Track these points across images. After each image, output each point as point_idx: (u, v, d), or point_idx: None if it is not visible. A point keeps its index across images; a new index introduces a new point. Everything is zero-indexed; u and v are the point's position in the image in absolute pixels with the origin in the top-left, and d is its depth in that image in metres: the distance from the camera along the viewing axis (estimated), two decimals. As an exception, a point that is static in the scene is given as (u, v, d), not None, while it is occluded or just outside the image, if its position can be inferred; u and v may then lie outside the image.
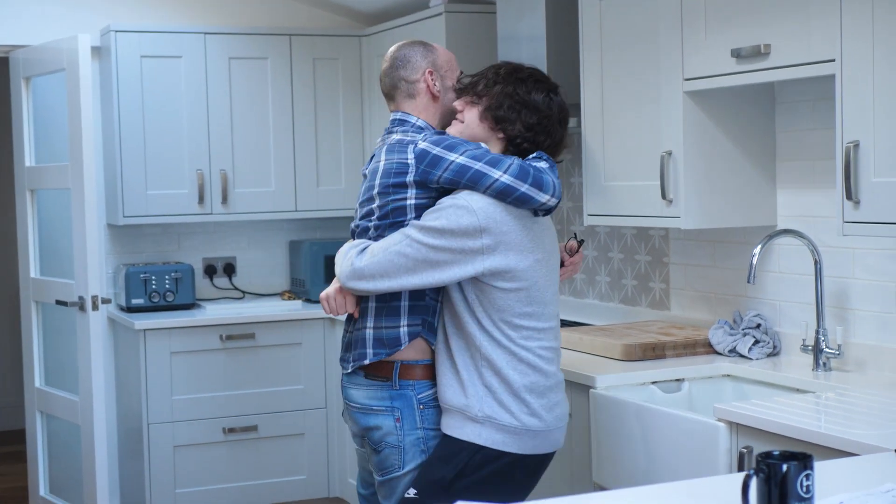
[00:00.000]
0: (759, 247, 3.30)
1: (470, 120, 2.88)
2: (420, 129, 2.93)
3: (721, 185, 3.54)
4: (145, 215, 5.20)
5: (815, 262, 3.36)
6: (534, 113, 2.85)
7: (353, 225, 2.99)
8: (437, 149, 2.79)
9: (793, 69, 3.07)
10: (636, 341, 3.61)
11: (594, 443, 3.34)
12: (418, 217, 2.81)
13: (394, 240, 2.79)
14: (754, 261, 3.28)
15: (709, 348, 3.65)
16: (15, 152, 5.30)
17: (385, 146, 2.92)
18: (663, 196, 3.54)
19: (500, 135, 2.86)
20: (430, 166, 2.79)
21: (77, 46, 4.69)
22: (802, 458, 1.83)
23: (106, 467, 4.78)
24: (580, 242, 3.12)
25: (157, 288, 5.21)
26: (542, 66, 4.20)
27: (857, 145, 2.84)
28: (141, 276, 5.20)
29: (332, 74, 5.50)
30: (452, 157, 2.77)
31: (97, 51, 5.28)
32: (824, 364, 3.32)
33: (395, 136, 2.92)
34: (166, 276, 5.24)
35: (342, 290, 2.89)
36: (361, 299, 2.93)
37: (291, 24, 5.65)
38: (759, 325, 3.59)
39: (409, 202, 2.83)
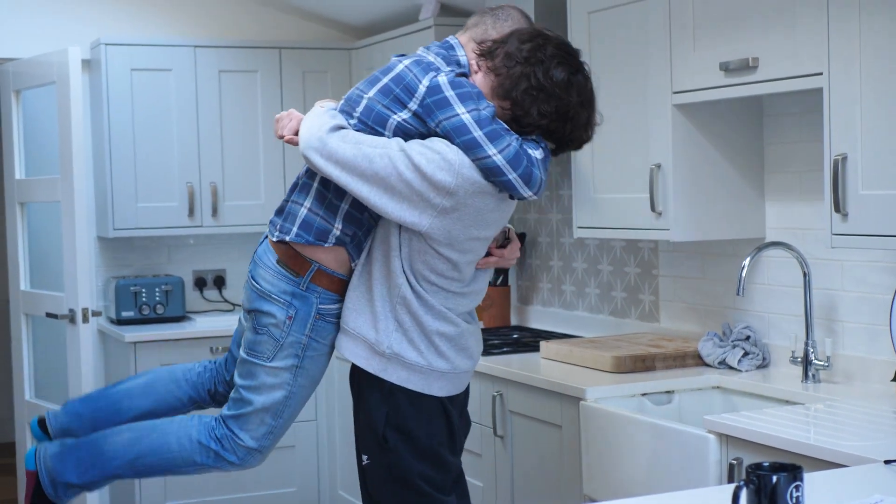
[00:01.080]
0: (748, 259, 3.32)
1: (480, 86, 2.75)
2: (458, 64, 2.82)
3: (710, 197, 3.56)
4: (135, 228, 5.20)
5: (804, 275, 3.38)
6: (552, 99, 2.69)
7: (349, 93, 2.88)
8: (451, 92, 2.68)
9: (781, 82, 3.09)
10: (626, 353, 3.62)
11: (584, 454, 3.35)
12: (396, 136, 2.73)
13: (371, 142, 2.70)
14: (743, 273, 3.29)
15: (698, 360, 3.66)
16: (5, 165, 5.30)
17: (416, 57, 2.81)
18: (652, 208, 3.55)
19: (509, 111, 2.72)
20: (436, 106, 2.69)
21: (67, 59, 4.70)
22: (792, 470, 1.84)
23: (96, 480, 4.76)
24: (507, 236, 2.97)
25: (148, 300, 5.21)
26: (532, 79, 4.22)
27: (844, 158, 2.86)
28: (131, 289, 5.20)
29: (321, 87, 5.50)
30: (459, 109, 2.66)
31: (87, 64, 5.29)
32: (813, 376, 3.34)
33: (430, 57, 2.81)
34: (156, 289, 5.24)
35: (295, 117, 2.86)
36: (309, 173, 2.86)
37: (281, 37, 5.66)
38: (748, 337, 3.61)
39: (394, 119, 2.73)
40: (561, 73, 2.70)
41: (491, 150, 2.65)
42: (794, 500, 1.83)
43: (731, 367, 3.56)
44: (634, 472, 3.15)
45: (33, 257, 5.27)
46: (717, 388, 3.51)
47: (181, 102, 5.25)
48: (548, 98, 2.69)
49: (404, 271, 2.76)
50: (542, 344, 3.98)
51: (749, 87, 3.19)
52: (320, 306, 2.86)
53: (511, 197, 2.76)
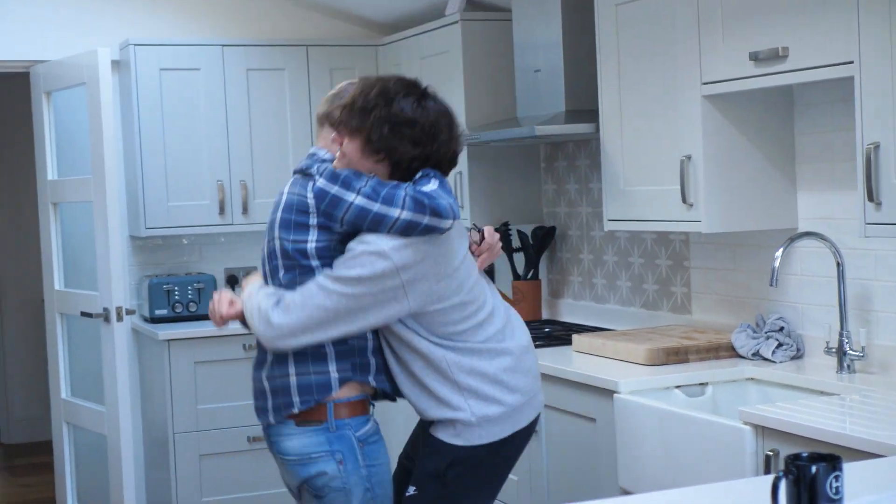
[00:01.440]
0: (781, 249, 3.31)
1: (351, 154, 2.78)
2: (322, 161, 2.86)
3: (741, 188, 3.55)
4: (167, 227, 5.23)
5: (838, 265, 3.37)
6: (414, 126, 2.75)
7: (262, 252, 2.91)
8: (335, 188, 2.73)
9: (811, 71, 3.08)
10: (659, 346, 3.62)
11: (619, 447, 3.35)
12: (323, 261, 2.75)
13: (310, 292, 2.73)
14: (776, 264, 3.28)
15: (732, 352, 3.65)
16: (37, 166, 5.34)
17: (291, 180, 2.88)
18: (683, 200, 3.54)
19: (386, 162, 2.77)
20: (331, 208, 2.73)
21: (97, 61, 4.73)
22: (831, 460, 1.84)
23: (133, 477, 4.81)
24: (479, 231, 3.00)
25: (180, 298, 5.24)
26: (559, 73, 4.23)
27: (877, 146, 2.85)
28: (164, 287, 5.23)
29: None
30: (350, 197, 2.71)
31: (117, 64, 5.32)
32: (848, 366, 3.32)
33: (301, 175, 2.85)
34: (189, 287, 5.27)
35: (224, 297, 2.87)
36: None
37: (308, 35, 5.68)
38: (782, 328, 3.60)
39: (310, 245, 2.77)
40: (410, 100, 2.77)
41: (395, 213, 2.68)
42: (833, 491, 1.82)
43: (765, 359, 3.55)
44: (670, 465, 3.15)
45: (67, 257, 5.32)
46: (752, 379, 3.50)
47: (210, 101, 5.28)
48: (411, 127, 2.75)
49: (435, 344, 2.79)
50: (575, 337, 3.98)
51: (779, 77, 3.18)
52: (356, 434, 2.83)
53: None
